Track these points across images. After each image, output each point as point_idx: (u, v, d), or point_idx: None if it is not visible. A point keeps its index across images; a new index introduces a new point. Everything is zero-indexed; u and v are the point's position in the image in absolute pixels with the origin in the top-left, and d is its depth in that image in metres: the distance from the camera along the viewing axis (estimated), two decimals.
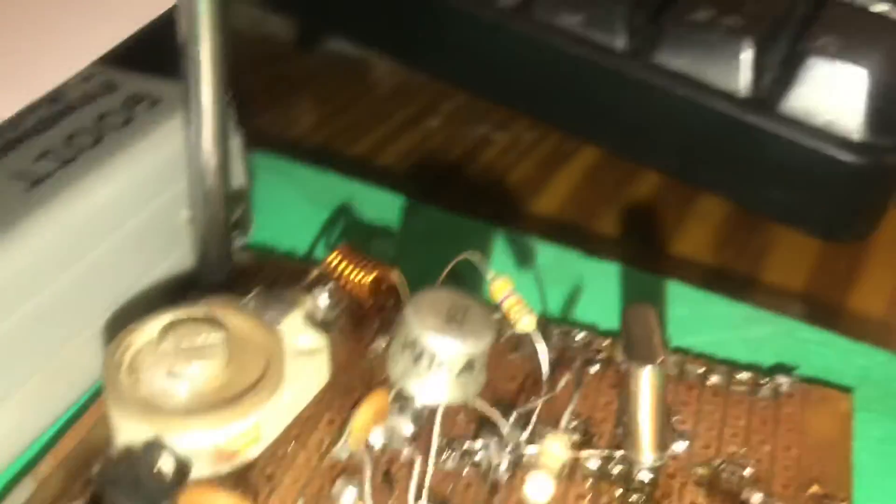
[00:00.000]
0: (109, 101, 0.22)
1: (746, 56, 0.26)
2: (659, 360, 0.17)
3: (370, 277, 0.21)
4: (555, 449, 0.16)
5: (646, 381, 0.17)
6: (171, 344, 0.18)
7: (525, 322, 0.18)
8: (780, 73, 0.26)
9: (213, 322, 0.18)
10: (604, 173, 0.31)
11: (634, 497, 0.18)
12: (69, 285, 0.20)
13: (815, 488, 0.18)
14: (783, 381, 0.20)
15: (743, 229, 0.28)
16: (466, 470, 0.18)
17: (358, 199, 0.27)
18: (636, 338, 0.17)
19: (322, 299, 0.22)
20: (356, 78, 0.37)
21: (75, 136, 0.21)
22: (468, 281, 0.20)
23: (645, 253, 0.28)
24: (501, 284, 0.19)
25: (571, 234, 0.28)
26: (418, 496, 0.17)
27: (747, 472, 0.18)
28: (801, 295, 0.26)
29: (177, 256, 0.23)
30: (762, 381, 0.20)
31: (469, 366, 0.17)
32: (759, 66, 0.26)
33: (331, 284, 0.22)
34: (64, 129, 0.21)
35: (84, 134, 0.21)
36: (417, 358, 0.16)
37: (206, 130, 0.19)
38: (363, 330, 0.22)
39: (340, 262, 0.22)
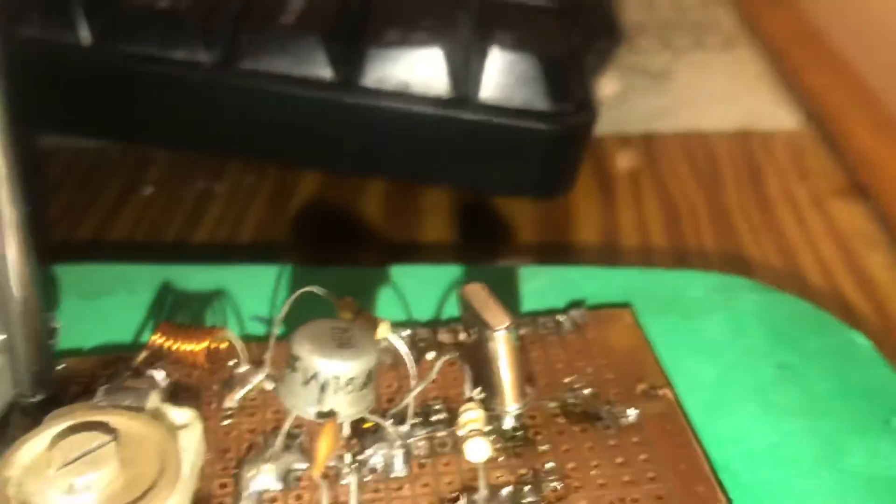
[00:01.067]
0: None
1: (440, 61, 0.30)
2: (511, 322, 0.20)
3: (204, 345, 0.22)
4: (474, 415, 0.18)
5: (502, 343, 0.20)
6: (59, 460, 0.17)
7: (381, 329, 0.20)
8: (469, 69, 0.30)
9: (94, 425, 0.18)
10: (332, 193, 0.34)
11: (512, 442, 0.21)
12: None
13: (641, 385, 0.22)
14: (576, 314, 0.24)
15: (470, 209, 0.32)
16: (368, 478, 0.20)
17: (129, 279, 0.27)
18: (482, 309, 0.20)
19: (159, 377, 0.22)
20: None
21: None
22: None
23: (400, 249, 0.31)
24: (348, 303, 0.20)
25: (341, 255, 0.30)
26: None
27: (587, 392, 0.22)
28: (537, 245, 0.31)
29: None
30: (561, 320, 0.24)
31: (368, 378, 0.18)
32: (453, 67, 0.30)
33: (160, 362, 0.23)
34: None
35: None
36: (323, 387, 0.18)
37: (12, 248, 0.19)
38: (203, 394, 0.22)
39: (167, 338, 0.22)
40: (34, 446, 0.18)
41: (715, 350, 0.24)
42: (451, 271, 0.26)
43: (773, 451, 0.21)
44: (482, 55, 0.29)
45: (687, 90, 0.39)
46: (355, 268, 0.28)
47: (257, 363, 0.23)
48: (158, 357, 0.22)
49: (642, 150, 0.36)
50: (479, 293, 0.21)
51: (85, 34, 0.30)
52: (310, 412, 0.18)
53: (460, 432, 0.18)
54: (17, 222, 0.19)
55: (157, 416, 0.19)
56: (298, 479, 0.20)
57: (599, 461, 0.20)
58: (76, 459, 0.18)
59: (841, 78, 0.41)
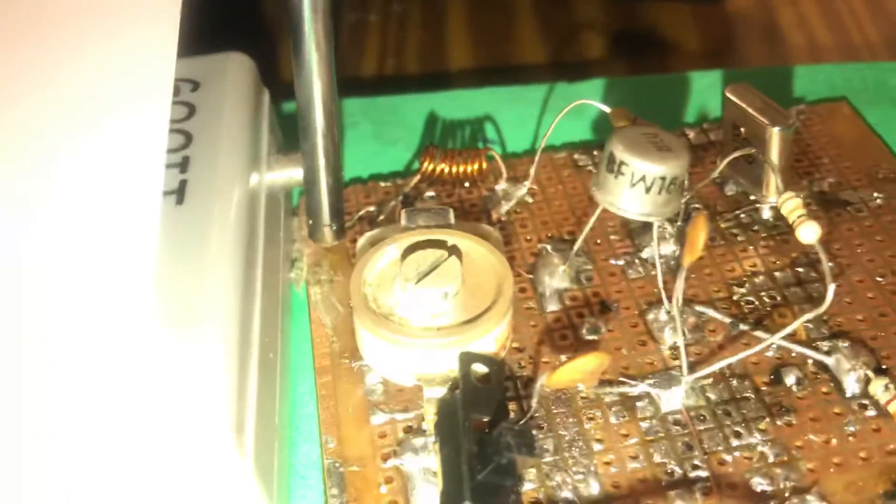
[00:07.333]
0: None
1: None
2: (792, 120, 0.21)
3: (477, 164, 0.23)
4: (795, 202, 0.20)
5: (778, 139, 0.21)
6: (412, 272, 0.19)
7: None
8: None
9: (436, 243, 0.20)
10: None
11: (775, 231, 0.22)
12: None
13: (880, 171, 0.24)
14: (797, 110, 0.26)
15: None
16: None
17: (349, 112, 0.27)
18: (758, 108, 0.21)
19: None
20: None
21: None
22: None
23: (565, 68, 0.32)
24: (622, 113, 0.21)
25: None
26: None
27: (830, 181, 0.24)
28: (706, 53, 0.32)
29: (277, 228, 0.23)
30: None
31: (682, 179, 0.20)
32: None
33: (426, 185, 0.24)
34: None
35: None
36: (649, 188, 0.19)
37: (320, 86, 0.20)
38: (470, 210, 0.24)
39: (437, 161, 0.23)
40: (378, 261, 0.20)
41: None
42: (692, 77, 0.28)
43: None
44: None
45: None
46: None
47: (518, 179, 0.24)
48: (429, 179, 0.24)
49: None
50: (748, 94, 0.22)
51: None
52: (632, 210, 0.20)
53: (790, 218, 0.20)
54: (326, 63, 0.20)
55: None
56: (590, 278, 0.22)
57: (860, 240, 0.22)
58: (427, 272, 0.19)
59: None
